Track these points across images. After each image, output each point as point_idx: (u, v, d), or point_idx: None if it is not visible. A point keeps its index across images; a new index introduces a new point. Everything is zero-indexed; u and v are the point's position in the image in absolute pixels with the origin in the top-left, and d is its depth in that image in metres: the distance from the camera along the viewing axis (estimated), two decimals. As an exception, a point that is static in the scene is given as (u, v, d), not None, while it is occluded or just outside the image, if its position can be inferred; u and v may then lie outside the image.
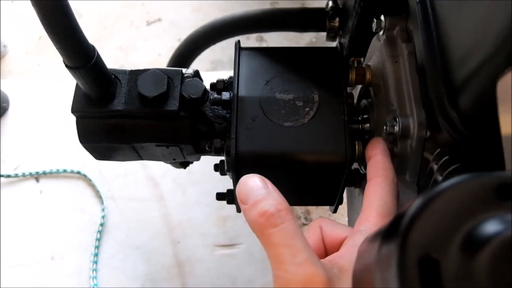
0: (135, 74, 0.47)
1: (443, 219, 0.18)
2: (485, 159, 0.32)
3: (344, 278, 0.29)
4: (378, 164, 0.39)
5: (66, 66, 0.41)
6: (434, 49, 0.31)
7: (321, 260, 0.29)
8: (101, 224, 0.90)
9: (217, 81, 0.49)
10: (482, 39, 0.27)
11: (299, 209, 0.96)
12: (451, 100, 0.30)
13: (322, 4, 0.70)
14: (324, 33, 0.71)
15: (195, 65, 0.69)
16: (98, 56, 0.42)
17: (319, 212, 0.96)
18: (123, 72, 0.48)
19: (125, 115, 0.46)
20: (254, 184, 0.31)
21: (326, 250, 0.36)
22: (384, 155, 0.40)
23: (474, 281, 0.17)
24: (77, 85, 0.46)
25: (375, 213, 0.34)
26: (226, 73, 0.51)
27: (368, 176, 0.39)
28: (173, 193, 0.94)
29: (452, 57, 0.30)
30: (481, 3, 0.27)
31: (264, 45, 1.13)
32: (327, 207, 0.97)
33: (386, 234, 0.21)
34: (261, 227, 0.28)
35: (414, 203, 0.19)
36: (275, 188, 0.31)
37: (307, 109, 0.45)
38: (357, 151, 0.46)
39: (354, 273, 0.28)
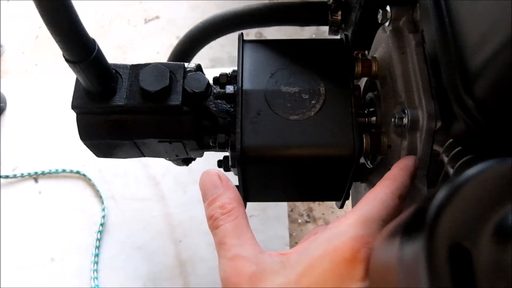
0: (136, 69, 0.46)
1: (472, 206, 0.17)
2: (500, 149, 0.31)
3: (284, 272, 0.30)
4: (388, 174, 0.38)
5: (66, 60, 0.40)
6: (447, 36, 0.30)
7: (270, 253, 0.32)
8: (102, 224, 0.88)
9: (220, 74, 0.48)
10: (499, 22, 0.26)
11: (302, 206, 0.95)
12: (467, 88, 0.29)
13: (323, -2, 0.69)
14: (325, 28, 0.70)
15: (194, 62, 0.68)
16: (99, 50, 0.41)
17: (322, 209, 0.95)
18: (124, 66, 0.46)
19: (126, 110, 0.45)
20: (210, 182, 0.35)
21: None
22: (401, 169, 0.37)
23: (508, 272, 0.16)
24: (77, 80, 0.45)
25: (355, 216, 0.32)
26: (226, 70, 0.50)
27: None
28: (174, 192, 0.93)
29: (466, 43, 0.29)
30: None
31: (263, 41, 1.11)
32: (330, 204, 0.97)
33: (408, 227, 0.20)
34: (209, 227, 0.34)
35: (440, 191, 0.18)
36: (228, 185, 0.35)
37: (313, 101, 0.44)
38: (364, 144, 0.45)
39: (371, 273, 0.27)
